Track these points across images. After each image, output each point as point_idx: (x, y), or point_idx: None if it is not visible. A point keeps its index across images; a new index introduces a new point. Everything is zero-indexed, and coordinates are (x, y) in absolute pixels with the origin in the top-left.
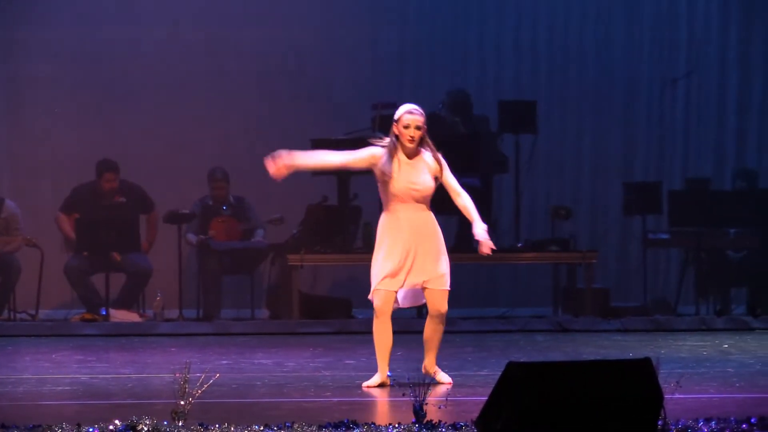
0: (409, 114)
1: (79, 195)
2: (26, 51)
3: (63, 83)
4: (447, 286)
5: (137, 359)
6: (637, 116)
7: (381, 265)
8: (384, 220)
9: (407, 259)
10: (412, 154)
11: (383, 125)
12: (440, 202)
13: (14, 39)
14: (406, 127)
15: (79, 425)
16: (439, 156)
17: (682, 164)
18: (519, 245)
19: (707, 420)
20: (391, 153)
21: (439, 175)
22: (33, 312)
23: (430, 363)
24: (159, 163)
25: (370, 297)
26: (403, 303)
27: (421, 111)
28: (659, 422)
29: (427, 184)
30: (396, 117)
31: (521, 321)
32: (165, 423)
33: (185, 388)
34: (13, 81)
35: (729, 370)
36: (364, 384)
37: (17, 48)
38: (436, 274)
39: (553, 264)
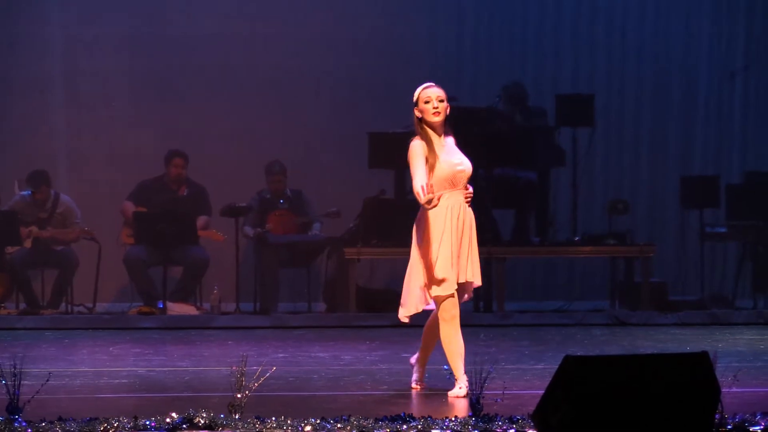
0: (426, 89)
1: (144, 188)
2: (84, 45)
3: (120, 77)
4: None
5: (194, 352)
6: (694, 110)
7: (442, 266)
8: (427, 213)
9: (460, 257)
10: (442, 132)
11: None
12: (494, 197)
13: (72, 34)
14: (427, 101)
15: (136, 418)
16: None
17: (740, 158)
18: (576, 239)
19: (764, 414)
20: (425, 139)
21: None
22: (90, 305)
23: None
24: (217, 157)
25: (428, 304)
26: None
27: (438, 86)
28: (716, 416)
29: (469, 164)
30: (414, 98)
31: (578, 315)
32: (222, 416)
33: (242, 381)
34: (71, 75)
35: None
36: (450, 393)
37: (75, 43)
38: (479, 269)
39: (611, 258)
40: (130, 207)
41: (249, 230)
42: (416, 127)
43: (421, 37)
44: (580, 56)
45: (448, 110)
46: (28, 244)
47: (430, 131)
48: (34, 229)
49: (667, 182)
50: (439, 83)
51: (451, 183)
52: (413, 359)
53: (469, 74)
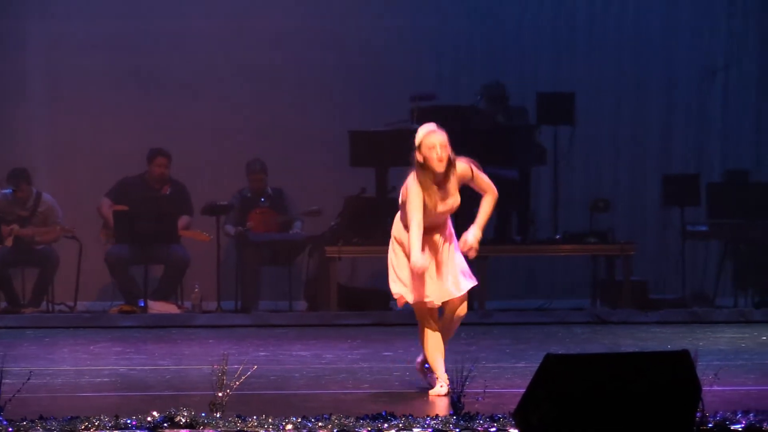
0: (430, 134)
1: (126, 186)
2: (66, 43)
3: (101, 74)
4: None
5: (175, 351)
6: (675, 108)
7: (408, 277)
8: (402, 231)
9: (440, 275)
10: (442, 178)
11: (421, 117)
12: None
13: (55, 31)
14: (431, 147)
15: (117, 417)
16: (473, 165)
17: (721, 156)
18: (557, 237)
19: (745, 412)
20: (424, 185)
21: (468, 179)
22: (71, 304)
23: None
24: (197, 155)
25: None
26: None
27: (441, 129)
28: (697, 414)
29: (455, 204)
30: (417, 142)
31: (559, 313)
32: (203, 414)
33: (223, 379)
34: (53, 73)
35: (767, 362)
36: (431, 392)
37: (58, 40)
38: (460, 278)
39: (592, 256)
40: (106, 204)
41: (230, 229)
42: (417, 170)
43: (402, 35)
44: (561, 54)
45: (451, 155)
46: (8, 242)
47: (429, 177)
48: (15, 227)
49: (648, 180)
50: (418, 79)
51: (435, 221)
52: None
53: (450, 72)
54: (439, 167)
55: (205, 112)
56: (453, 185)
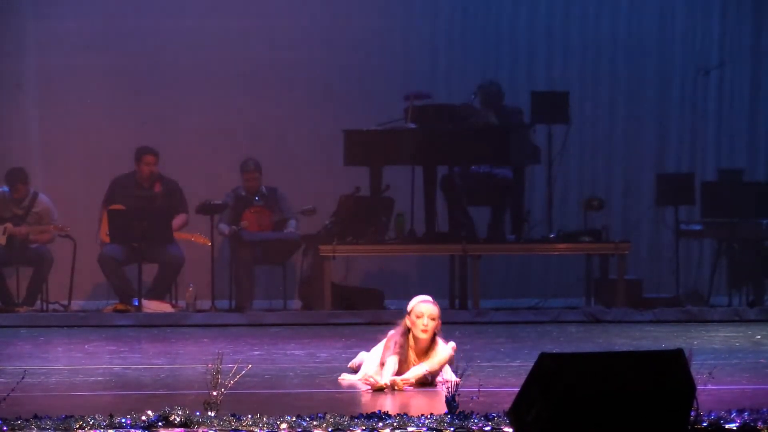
0: (422, 303)
1: (117, 186)
2: (58, 42)
3: (95, 74)
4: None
5: (169, 350)
6: (669, 107)
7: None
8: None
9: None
10: (424, 349)
11: (415, 116)
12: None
13: (45, 30)
14: (419, 316)
15: (111, 416)
16: (449, 349)
17: (715, 155)
18: (551, 236)
19: (739, 411)
20: (403, 349)
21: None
22: (65, 303)
23: None
24: (191, 154)
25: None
26: None
27: (435, 302)
28: (691, 413)
29: (434, 366)
30: (408, 308)
31: (553, 312)
32: (197, 413)
33: (217, 378)
34: (45, 72)
35: (761, 361)
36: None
37: (49, 39)
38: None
39: (586, 255)
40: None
41: (224, 228)
42: (402, 331)
43: (396, 34)
44: (555, 53)
45: (438, 328)
46: (2, 241)
47: (412, 342)
48: (9, 226)
49: (642, 179)
50: (412, 78)
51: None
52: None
53: (444, 70)
54: (423, 335)
55: (200, 112)
56: (432, 354)
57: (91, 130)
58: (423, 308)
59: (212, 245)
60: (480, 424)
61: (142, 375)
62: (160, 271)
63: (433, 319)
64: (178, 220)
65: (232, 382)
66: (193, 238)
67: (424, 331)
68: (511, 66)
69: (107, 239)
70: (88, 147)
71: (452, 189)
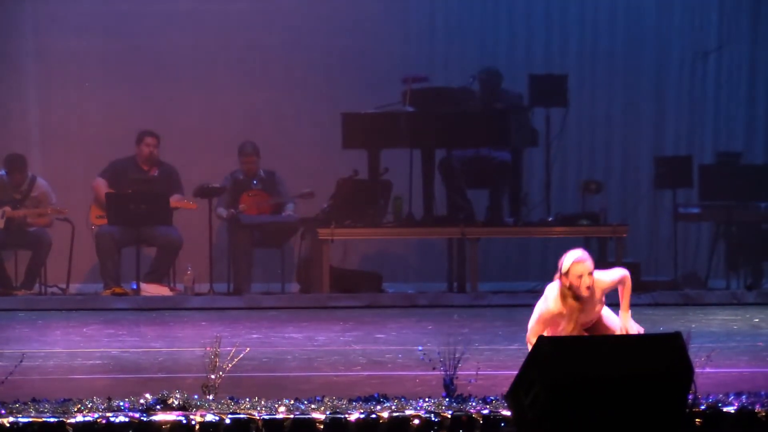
0: (578, 264)
1: (116, 168)
2: (55, 25)
3: (92, 57)
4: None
5: (168, 333)
6: (667, 90)
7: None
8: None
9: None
10: (586, 301)
11: (413, 99)
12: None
13: (43, 13)
14: (580, 276)
15: (109, 399)
16: (611, 279)
17: (713, 138)
18: (550, 219)
19: (738, 394)
20: (566, 306)
21: (608, 289)
22: (63, 286)
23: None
24: (189, 137)
25: None
26: None
27: (588, 256)
28: (689, 396)
29: (598, 312)
30: (564, 269)
31: None
32: (195, 397)
33: (216, 362)
34: (43, 55)
35: (759, 344)
36: None
37: (46, 22)
38: None
39: (584, 238)
40: (101, 184)
41: (222, 211)
42: (561, 291)
43: (394, 17)
44: (553, 36)
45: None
46: (0, 224)
47: (571, 301)
48: (7, 209)
49: (640, 162)
50: (410, 61)
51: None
52: None
53: (442, 53)
54: (585, 296)
55: (198, 95)
56: (595, 299)
57: (89, 114)
58: (579, 269)
59: (210, 229)
60: (478, 407)
61: (141, 358)
62: (158, 254)
63: (591, 274)
64: (172, 200)
65: (230, 365)
66: (179, 204)
67: (588, 291)
68: (509, 49)
69: (96, 221)
70: (86, 130)
71: (450, 172)
